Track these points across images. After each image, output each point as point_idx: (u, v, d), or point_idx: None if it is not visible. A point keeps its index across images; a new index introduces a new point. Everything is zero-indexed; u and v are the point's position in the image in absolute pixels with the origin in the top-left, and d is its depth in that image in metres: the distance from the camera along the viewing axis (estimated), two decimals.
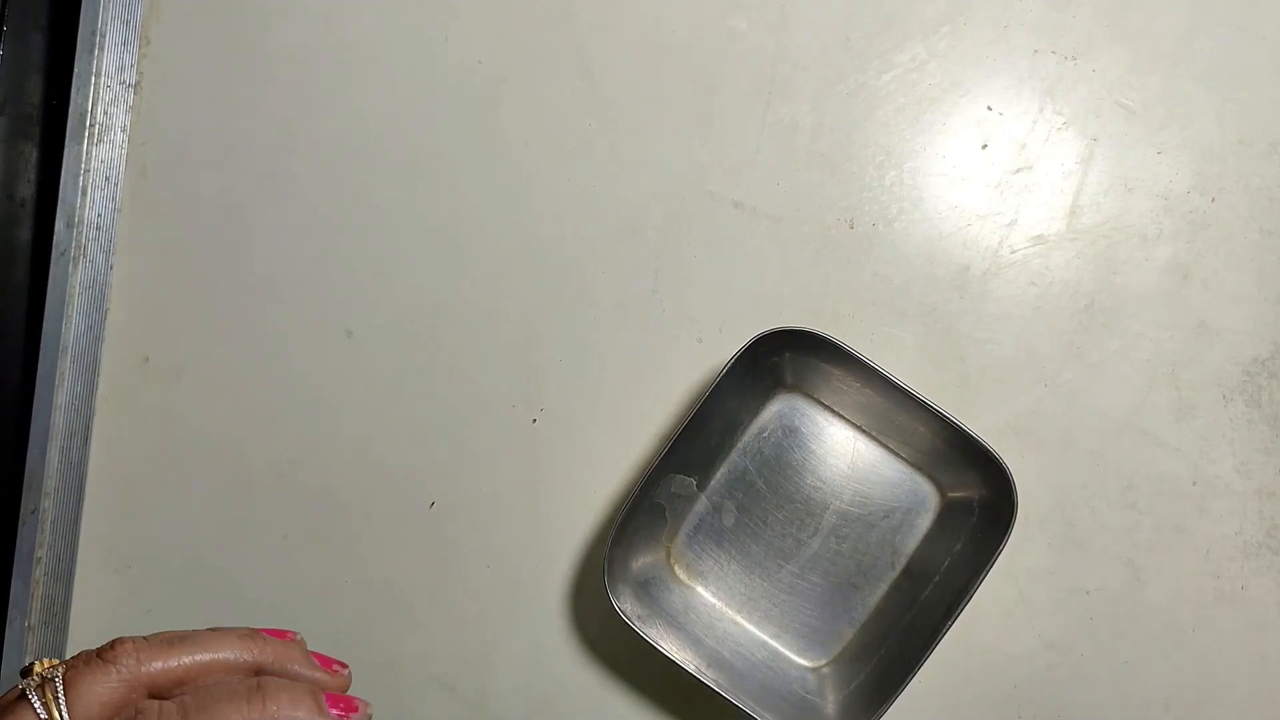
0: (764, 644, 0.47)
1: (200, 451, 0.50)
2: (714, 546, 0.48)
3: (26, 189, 0.50)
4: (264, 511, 0.49)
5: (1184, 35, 0.50)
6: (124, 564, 0.49)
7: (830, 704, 0.45)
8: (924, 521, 0.47)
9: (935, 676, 0.47)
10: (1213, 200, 0.49)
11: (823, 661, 0.47)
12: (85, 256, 0.49)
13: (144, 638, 0.27)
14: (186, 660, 0.27)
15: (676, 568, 0.48)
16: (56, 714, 0.24)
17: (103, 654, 0.26)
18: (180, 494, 0.49)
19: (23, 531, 0.47)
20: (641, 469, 0.49)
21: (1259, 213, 0.49)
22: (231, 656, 0.28)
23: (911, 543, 0.47)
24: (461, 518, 0.49)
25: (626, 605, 0.44)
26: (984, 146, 0.50)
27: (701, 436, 0.46)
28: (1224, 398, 0.49)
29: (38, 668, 0.26)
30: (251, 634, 0.29)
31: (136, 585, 0.49)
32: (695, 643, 0.45)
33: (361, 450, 0.50)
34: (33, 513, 0.47)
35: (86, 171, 0.49)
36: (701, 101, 0.50)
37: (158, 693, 0.27)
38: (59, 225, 0.48)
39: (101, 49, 0.49)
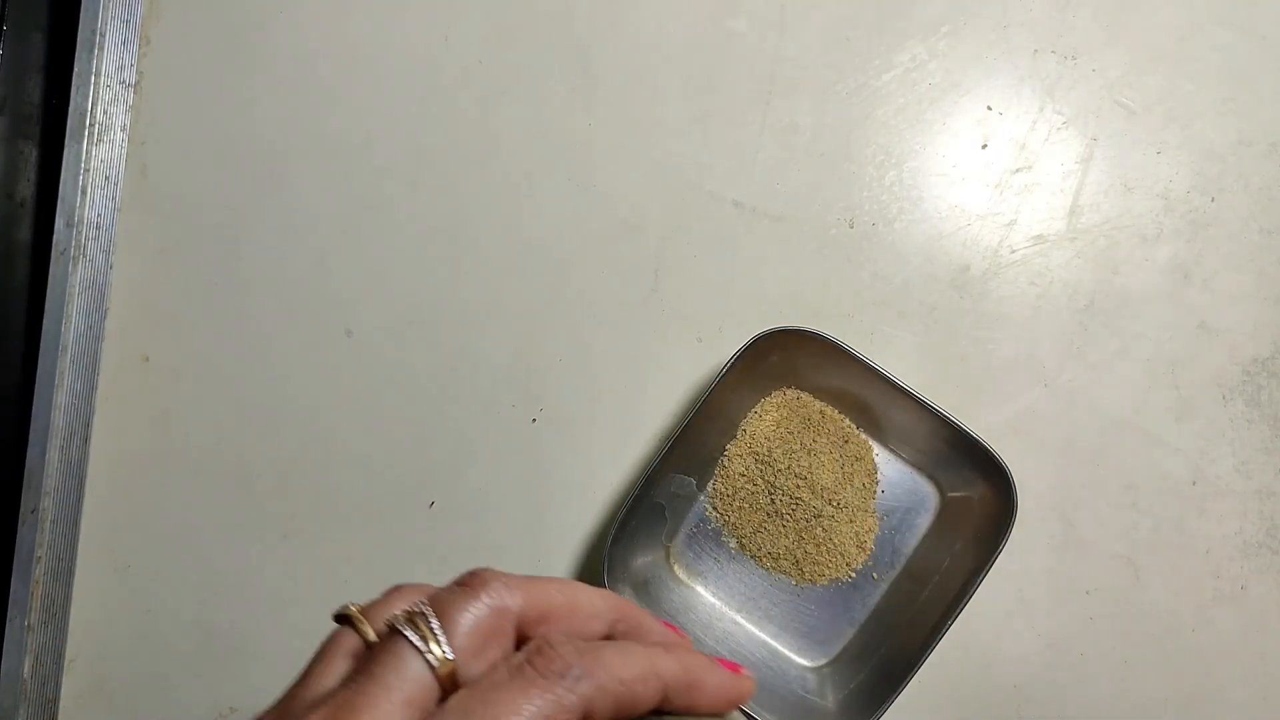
0: (764, 644, 0.47)
1: (200, 451, 0.50)
2: (714, 546, 0.48)
3: (26, 189, 0.50)
4: (264, 511, 0.49)
5: (1184, 35, 0.50)
6: (124, 564, 0.49)
7: (830, 704, 0.45)
8: (924, 521, 0.47)
9: (935, 676, 0.47)
10: (1213, 200, 0.49)
11: (823, 661, 0.47)
12: (85, 256, 0.49)
13: (502, 572, 0.25)
14: (554, 592, 0.25)
15: (676, 567, 0.48)
16: (437, 646, 0.22)
17: (466, 583, 0.24)
18: (180, 494, 0.49)
19: (23, 531, 0.47)
20: (641, 469, 0.49)
21: (1259, 213, 0.49)
22: (592, 600, 0.26)
23: (911, 543, 0.47)
24: (461, 518, 0.49)
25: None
26: (984, 146, 0.50)
27: (701, 436, 0.46)
28: (1224, 398, 0.49)
29: (353, 609, 0.25)
30: (606, 591, 0.27)
31: (136, 585, 0.49)
32: (695, 642, 0.45)
33: (361, 450, 0.50)
34: (33, 512, 0.47)
35: (86, 171, 0.49)
36: (701, 101, 0.50)
37: (524, 626, 0.24)
38: (59, 225, 0.48)
39: (101, 49, 0.49)
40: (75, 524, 0.48)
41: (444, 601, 0.24)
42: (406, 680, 0.22)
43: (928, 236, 0.50)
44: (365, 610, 0.25)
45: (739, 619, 0.47)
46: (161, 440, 0.50)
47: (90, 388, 0.49)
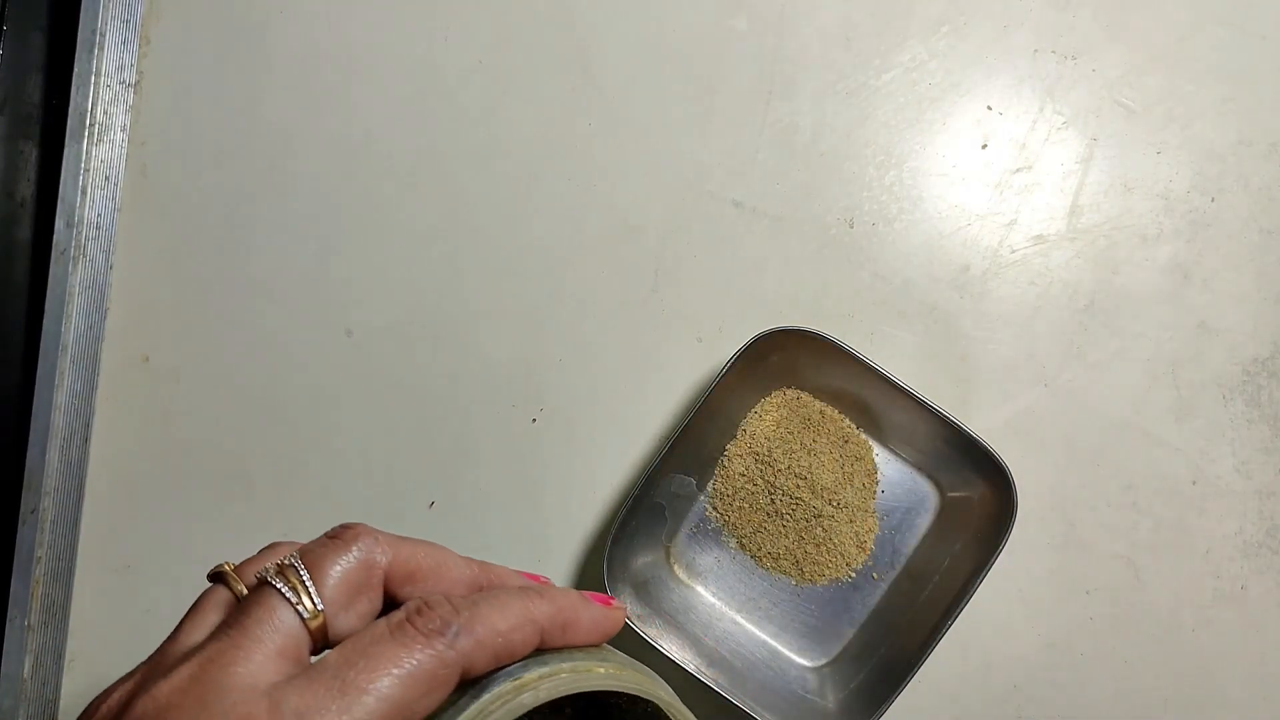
0: (764, 643, 0.47)
1: (200, 451, 0.50)
2: (714, 546, 0.48)
3: (26, 189, 0.50)
4: (264, 511, 0.49)
5: (1184, 35, 0.50)
6: (124, 564, 0.49)
7: (830, 704, 0.45)
8: (924, 521, 0.47)
9: (935, 676, 0.47)
10: (1213, 200, 0.49)
11: (823, 661, 0.47)
12: (85, 256, 0.49)
13: (372, 527, 0.26)
14: (421, 553, 0.26)
15: (676, 567, 0.48)
16: (307, 598, 0.23)
17: (337, 535, 0.25)
18: (180, 494, 0.49)
19: (23, 531, 0.47)
20: (641, 469, 0.49)
21: (1259, 213, 0.49)
22: (458, 564, 0.27)
23: (911, 543, 0.47)
24: (461, 518, 0.49)
25: (626, 605, 0.44)
26: (984, 146, 0.50)
27: (701, 436, 0.46)
28: (1224, 398, 0.49)
29: (228, 568, 0.25)
30: (471, 558, 0.28)
31: (136, 585, 0.49)
32: (695, 642, 0.45)
33: (361, 450, 0.50)
34: (33, 512, 0.47)
35: (86, 171, 0.49)
36: (701, 101, 0.50)
37: (391, 582, 0.25)
38: (59, 225, 0.48)
39: (101, 49, 0.49)
40: (75, 524, 0.48)
41: (314, 554, 0.24)
42: (278, 632, 0.22)
43: (928, 236, 0.50)
44: (239, 568, 0.25)
45: (739, 619, 0.47)
46: (161, 440, 0.50)
47: (90, 388, 0.49)
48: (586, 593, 0.27)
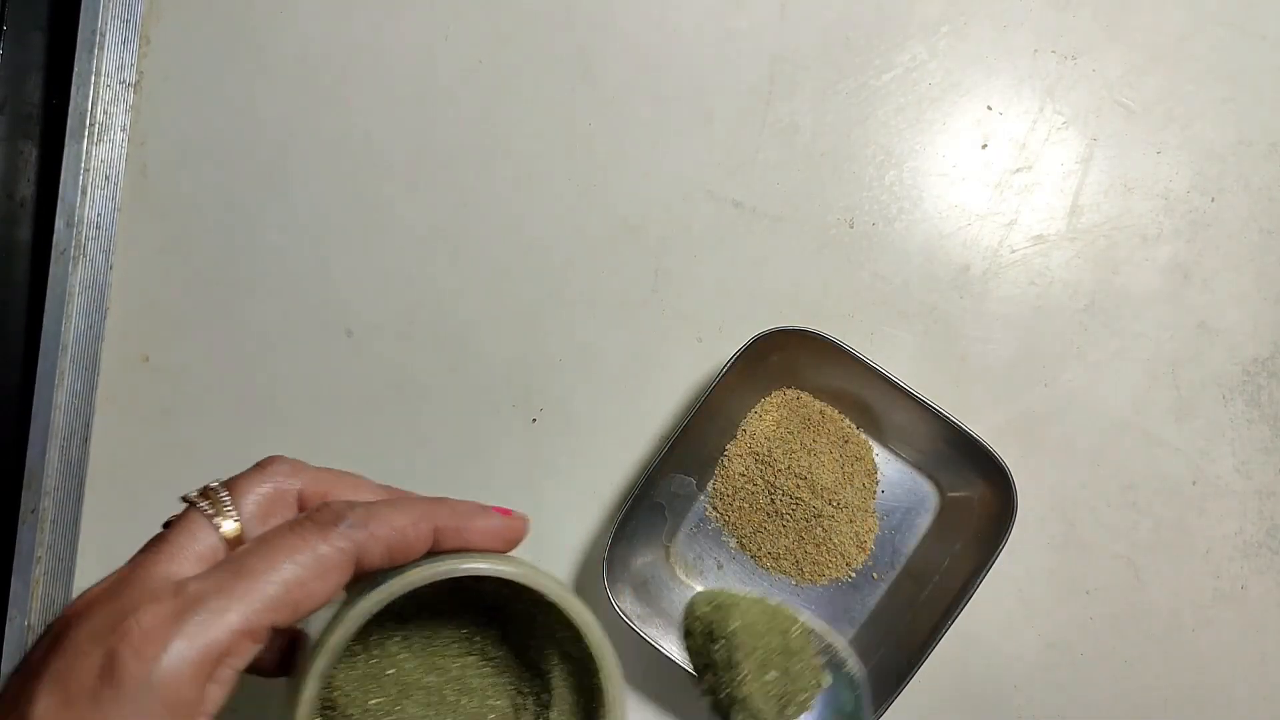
0: None
1: (200, 451, 0.50)
2: (714, 546, 0.48)
3: (26, 188, 0.50)
4: None
5: (1184, 35, 0.50)
6: (124, 564, 0.49)
7: None
8: (924, 521, 0.48)
9: (935, 676, 0.47)
10: (1213, 200, 0.49)
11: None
12: (85, 256, 0.49)
13: (293, 459, 0.29)
14: (335, 479, 0.29)
15: (676, 567, 0.48)
16: (225, 514, 0.26)
17: (260, 464, 0.28)
18: (180, 494, 0.49)
19: (23, 531, 0.47)
20: (641, 469, 0.49)
21: (1259, 213, 0.49)
22: (373, 488, 0.30)
23: (911, 543, 0.47)
24: None
25: (626, 605, 0.44)
26: (984, 146, 0.50)
27: (701, 436, 0.46)
28: (1224, 398, 0.49)
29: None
30: (392, 486, 0.31)
31: None
32: None
33: (361, 450, 0.50)
34: (33, 512, 0.47)
35: (86, 171, 0.49)
36: (701, 101, 0.50)
37: (307, 501, 0.28)
38: (59, 225, 0.48)
39: (101, 48, 0.49)
40: (75, 524, 0.48)
41: (236, 480, 0.28)
42: (196, 541, 0.26)
43: (928, 236, 0.50)
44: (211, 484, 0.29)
45: None
46: (161, 440, 0.50)
47: (90, 388, 0.49)
48: (492, 506, 0.29)
